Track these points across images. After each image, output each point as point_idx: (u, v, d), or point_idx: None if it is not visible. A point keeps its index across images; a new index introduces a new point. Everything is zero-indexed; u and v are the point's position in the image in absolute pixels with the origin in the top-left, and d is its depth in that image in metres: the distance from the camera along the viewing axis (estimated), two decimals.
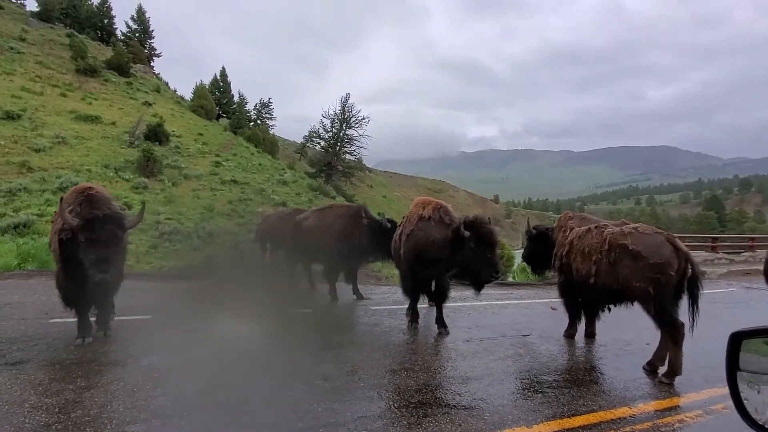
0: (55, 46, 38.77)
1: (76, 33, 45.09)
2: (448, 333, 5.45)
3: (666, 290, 4.21)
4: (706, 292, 8.76)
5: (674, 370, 4.23)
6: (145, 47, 52.86)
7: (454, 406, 3.44)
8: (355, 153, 53.88)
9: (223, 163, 26.80)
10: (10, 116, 22.47)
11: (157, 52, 55.49)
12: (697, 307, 4.28)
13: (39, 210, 14.57)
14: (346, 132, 51.59)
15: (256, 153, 35.02)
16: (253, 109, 71.82)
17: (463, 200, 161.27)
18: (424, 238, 5.27)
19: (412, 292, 5.74)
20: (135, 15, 53.36)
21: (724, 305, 7.83)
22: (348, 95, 51.26)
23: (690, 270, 4.27)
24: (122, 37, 52.62)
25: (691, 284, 4.30)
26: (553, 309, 6.75)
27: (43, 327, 4.83)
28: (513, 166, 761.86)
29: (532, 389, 3.89)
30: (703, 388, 4.01)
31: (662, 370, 4.39)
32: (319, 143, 52.43)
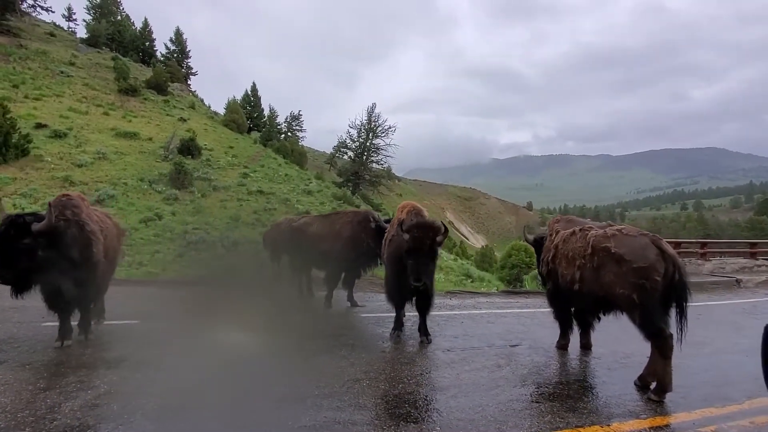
0: (101, 69, 41.58)
1: (120, 56, 48.23)
2: (430, 342, 5.33)
3: (651, 297, 3.92)
4: (740, 301, 8.19)
5: (663, 387, 3.91)
6: (182, 66, 55.76)
7: (405, 418, 3.30)
8: (382, 162, 54.28)
9: (251, 174, 27.65)
10: (58, 135, 24.21)
11: (193, 71, 58.41)
12: (685, 317, 3.99)
13: None
14: (373, 141, 52.14)
15: (283, 164, 35.91)
16: (284, 122, 74.03)
17: (494, 208, 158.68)
18: (399, 242, 5.22)
19: (395, 298, 5.65)
20: (173, 37, 56.56)
21: (754, 316, 7.27)
22: (374, 105, 51.90)
23: (677, 275, 3.96)
24: (162, 58, 55.85)
25: (678, 291, 3.98)
26: None
27: (33, 330, 5.13)
28: (548, 172, 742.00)
29: (497, 403, 3.67)
30: (697, 407, 3.72)
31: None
32: (346, 153, 53.20)
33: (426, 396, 3.76)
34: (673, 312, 4.05)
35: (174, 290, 7.95)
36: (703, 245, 12.72)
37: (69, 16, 56.03)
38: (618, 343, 5.29)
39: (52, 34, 46.89)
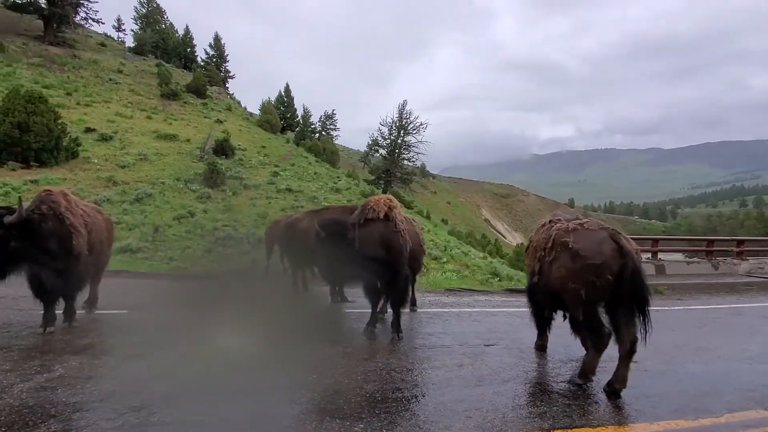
0: (146, 76, 44.07)
1: (163, 62, 50.92)
2: (401, 339, 5.28)
3: (599, 295, 3.78)
4: (763, 305, 7.51)
5: (587, 372, 3.95)
6: (220, 71, 58.04)
7: (332, 414, 3.26)
8: (414, 159, 54.06)
9: (281, 173, 28.37)
10: (104, 138, 25.92)
11: (231, 75, 60.67)
12: (647, 317, 3.75)
13: (116, 218, 16.58)
14: (404, 139, 52.03)
15: (314, 162, 36.59)
16: (318, 121, 75.39)
17: (533, 205, 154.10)
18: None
19: (368, 294, 5.67)
20: (212, 42, 59.00)
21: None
22: (405, 102, 51.77)
23: (634, 273, 3.75)
24: (202, 63, 58.41)
25: (635, 289, 3.75)
26: None
27: (27, 316, 5.44)
28: (592, 168, 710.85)
29: (436, 404, 3.54)
30: (664, 418, 3.41)
31: (629, 384, 3.92)
32: (377, 151, 53.41)
33: (368, 393, 3.66)
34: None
35: (182, 283, 8.32)
36: (740, 243, 11.76)
37: (118, 27, 59.79)
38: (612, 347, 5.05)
39: (102, 44, 50.20)
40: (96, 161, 22.63)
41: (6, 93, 21.48)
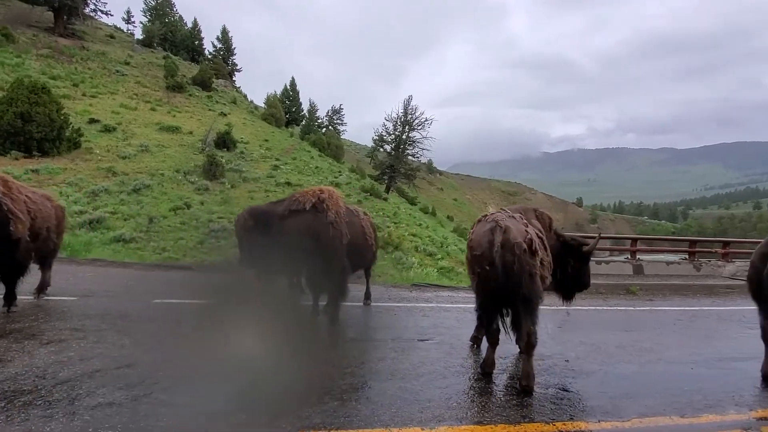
0: (152, 68, 44.39)
1: (171, 55, 51.20)
2: (336, 334, 5.29)
3: (484, 287, 3.87)
4: (743, 308, 7.38)
5: (484, 366, 4.07)
6: (227, 64, 58.25)
7: (217, 402, 3.23)
8: (419, 155, 53.78)
9: (281, 166, 28.49)
10: (107, 129, 26.24)
11: (238, 68, 60.81)
12: (528, 311, 3.74)
13: (113, 208, 16.83)
14: (409, 134, 51.77)
15: (316, 157, 36.67)
16: (325, 116, 75.44)
17: (541, 203, 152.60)
18: None
19: (308, 287, 5.74)
20: (220, 35, 59.17)
21: (742, 325, 6.56)
22: (410, 97, 51.43)
23: (515, 267, 3.70)
24: (209, 56, 58.68)
25: (514, 283, 3.71)
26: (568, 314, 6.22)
27: None
28: (603, 167, 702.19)
29: (327, 394, 3.51)
30: (562, 419, 3.33)
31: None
32: (381, 146, 53.23)
33: (256, 386, 3.62)
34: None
35: (155, 273, 8.42)
36: (726, 245, 11.54)
37: (128, 19, 60.19)
38: (553, 345, 5.06)
39: (111, 36, 50.66)
40: (98, 152, 22.93)
41: (10, 83, 21.80)
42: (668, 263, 10.72)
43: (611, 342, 5.27)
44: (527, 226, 4.02)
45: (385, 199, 29.84)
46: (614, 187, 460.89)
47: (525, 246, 3.71)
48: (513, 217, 4.12)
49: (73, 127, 22.54)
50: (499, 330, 3.97)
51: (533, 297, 3.72)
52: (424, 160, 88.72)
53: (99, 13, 47.62)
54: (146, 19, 59.18)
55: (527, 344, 3.73)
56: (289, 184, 25.36)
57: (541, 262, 3.96)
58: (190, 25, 62.68)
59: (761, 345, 4.99)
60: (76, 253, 9.23)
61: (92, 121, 26.88)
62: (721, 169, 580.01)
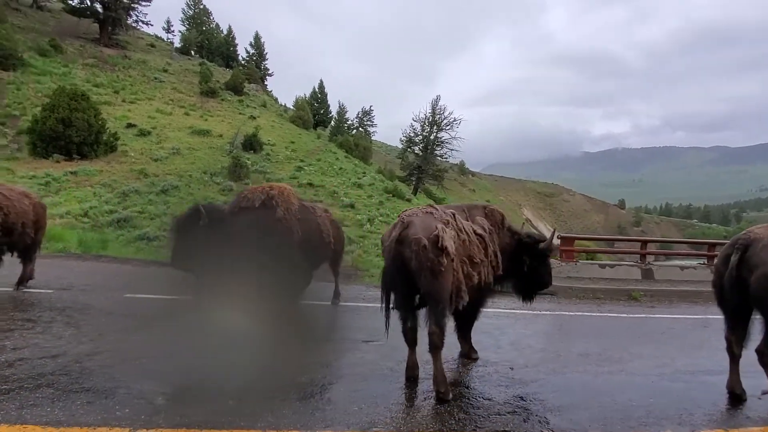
0: (188, 74, 46.34)
1: (207, 62, 53.33)
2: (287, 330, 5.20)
3: (387, 280, 3.79)
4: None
5: (408, 367, 3.90)
6: (259, 68, 59.95)
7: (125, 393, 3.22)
8: (447, 155, 53.12)
9: (305, 168, 28.88)
10: (143, 133, 27.56)
11: (269, 72, 62.51)
12: (432, 310, 3.62)
13: (141, 208, 17.59)
14: (437, 135, 51.24)
15: (342, 158, 36.92)
16: (355, 118, 76.05)
17: (579, 205, 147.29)
18: None
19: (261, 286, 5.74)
20: (252, 41, 61.03)
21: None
22: (438, 97, 50.96)
23: (413, 262, 3.55)
24: (243, 61, 60.62)
25: (411, 280, 3.63)
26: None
27: None
28: (650, 167, 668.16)
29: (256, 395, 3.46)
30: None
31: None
32: (409, 147, 52.99)
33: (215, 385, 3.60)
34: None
35: (152, 269, 8.62)
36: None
37: (168, 28, 63.27)
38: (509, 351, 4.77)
39: (152, 45, 53.32)
40: (132, 155, 24.11)
41: (52, 91, 23.31)
42: (683, 268, 9.79)
43: (577, 350, 4.93)
44: (448, 223, 3.75)
45: (409, 200, 29.57)
46: (661, 188, 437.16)
47: (425, 242, 3.49)
48: (431, 213, 3.86)
49: (110, 131, 23.82)
50: (414, 329, 3.78)
51: (435, 295, 3.54)
52: (455, 161, 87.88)
53: (140, 23, 50.21)
54: (185, 28, 61.96)
55: (430, 345, 3.57)
56: (311, 184, 25.67)
57: (469, 260, 3.75)
58: (225, 32, 65.02)
59: (747, 358, 4.56)
60: (88, 249, 9.66)
61: (129, 125, 28.33)
62: None
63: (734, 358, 3.90)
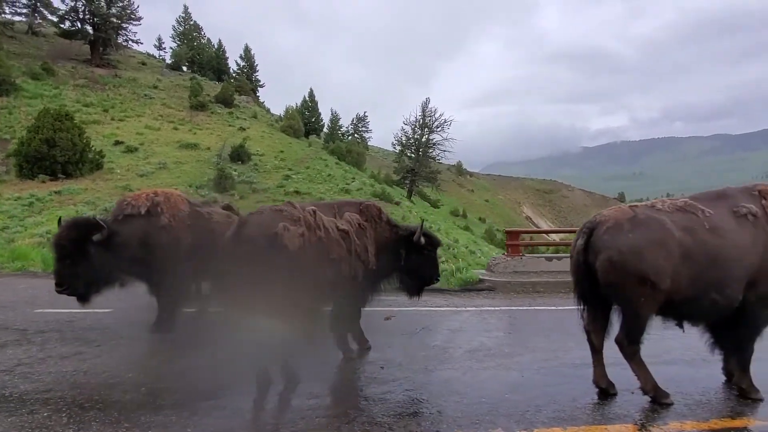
0: (179, 89, 46.77)
1: (197, 76, 53.81)
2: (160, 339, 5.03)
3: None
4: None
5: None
6: (251, 80, 60.43)
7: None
8: (439, 157, 53.21)
9: (293, 176, 29.06)
10: (130, 149, 27.85)
11: (261, 84, 62.97)
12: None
13: None
14: (429, 137, 51.38)
15: (332, 165, 37.09)
16: (350, 124, 76.38)
17: (579, 200, 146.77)
18: None
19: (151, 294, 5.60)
20: (242, 54, 61.57)
21: None
22: (428, 100, 51.16)
23: (240, 257, 3.52)
24: (234, 74, 61.15)
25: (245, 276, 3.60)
26: (387, 318, 5.73)
27: None
28: (649, 158, 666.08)
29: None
30: None
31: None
32: (402, 150, 53.13)
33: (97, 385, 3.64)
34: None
35: None
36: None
37: (159, 46, 63.99)
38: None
39: (143, 63, 53.91)
40: (118, 171, 24.35)
41: (37, 113, 23.63)
42: None
43: (470, 346, 4.69)
44: (299, 219, 3.65)
45: (398, 203, 29.65)
46: (663, 179, 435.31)
47: (259, 241, 3.45)
48: (280, 210, 3.73)
49: (95, 149, 24.08)
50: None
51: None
52: (452, 162, 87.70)
53: (130, 42, 50.82)
54: (176, 45, 62.62)
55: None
56: (298, 192, 25.81)
57: (326, 256, 3.70)
58: (216, 46, 65.62)
59: (664, 347, 4.37)
60: (49, 266, 9.72)
61: (117, 143, 28.64)
62: None
63: (595, 350, 3.65)
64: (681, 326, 3.71)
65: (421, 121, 50.75)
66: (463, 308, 6.22)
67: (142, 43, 53.08)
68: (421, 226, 4.44)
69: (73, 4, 45.14)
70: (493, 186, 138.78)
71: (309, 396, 3.48)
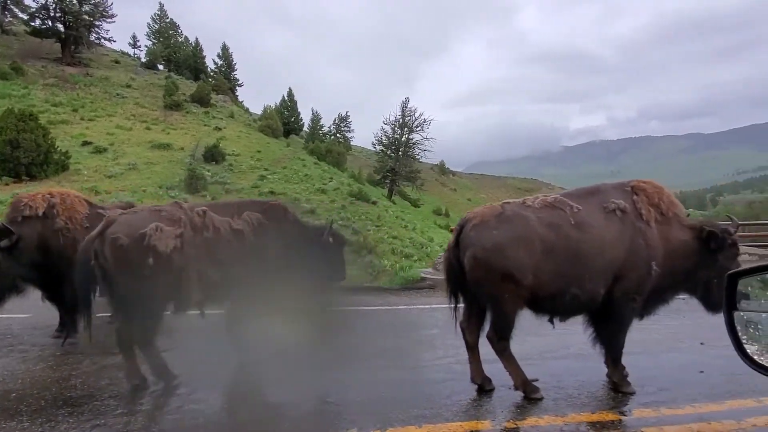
0: (153, 88, 45.84)
1: (173, 75, 52.83)
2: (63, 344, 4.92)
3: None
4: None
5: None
6: (229, 79, 59.63)
7: None
8: (420, 156, 53.52)
9: (269, 176, 28.83)
10: (98, 150, 27.22)
11: (239, 83, 62.22)
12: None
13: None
14: (409, 136, 51.65)
15: (310, 165, 36.91)
16: (332, 124, 75.97)
17: None
18: None
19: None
20: (220, 52, 60.72)
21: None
22: (407, 99, 51.46)
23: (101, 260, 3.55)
24: (212, 73, 60.22)
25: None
26: None
27: None
28: (627, 157, 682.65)
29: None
30: None
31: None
32: (383, 150, 53.29)
33: None
34: None
35: None
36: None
37: (134, 44, 62.54)
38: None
39: (116, 62, 52.72)
40: (85, 173, 23.78)
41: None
42: None
43: (377, 346, 4.60)
44: (179, 220, 3.67)
45: (375, 203, 29.71)
46: (639, 176, 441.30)
47: (123, 241, 3.43)
48: (160, 210, 3.77)
49: (60, 150, 23.47)
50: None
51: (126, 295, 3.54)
52: (435, 161, 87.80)
53: (102, 40, 49.60)
54: (151, 43, 61.30)
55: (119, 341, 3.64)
56: (273, 192, 25.60)
57: (211, 258, 3.71)
58: (193, 45, 64.44)
59: (564, 342, 4.44)
60: None
61: (85, 143, 27.95)
62: (752, 152, 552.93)
63: (469, 347, 3.65)
64: (552, 321, 3.72)
65: (401, 120, 51.02)
66: (396, 307, 6.32)
67: (115, 41, 51.60)
68: (330, 225, 4.49)
69: (44, 1, 43.85)
70: (475, 185, 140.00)
71: (192, 400, 3.48)
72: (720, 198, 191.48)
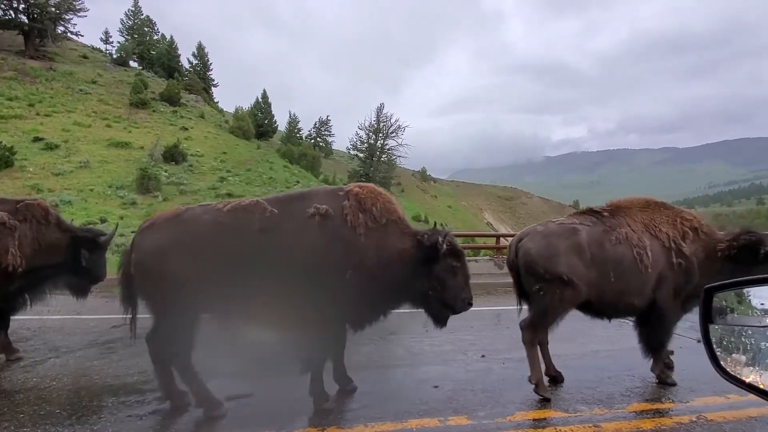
0: (121, 86, 44.53)
1: (144, 72, 51.54)
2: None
3: None
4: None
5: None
6: (204, 79, 58.51)
7: None
8: (394, 161, 53.48)
9: (230, 178, 28.12)
10: (50, 147, 26.05)
11: (214, 83, 61.10)
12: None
13: None
14: (384, 142, 51.59)
15: (279, 168, 36.28)
16: (312, 128, 75.27)
17: (537, 207, 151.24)
18: None
19: None
20: (195, 51, 59.59)
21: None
22: (382, 105, 51.50)
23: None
24: (186, 72, 59.00)
25: None
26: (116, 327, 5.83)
27: None
28: (605, 169, 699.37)
29: None
30: None
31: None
32: (356, 155, 53.06)
33: None
34: None
35: None
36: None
37: (106, 39, 60.85)
38: None
39: (84, 57, 51.07)
40: (31, 170, 22.68)
41: None
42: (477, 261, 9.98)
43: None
44: None
45: None
46: (617, 188, 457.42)
47: None
48: None
49: (5, 145, 22.35)
50: None
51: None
52: (417, 168, 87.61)
53: (69, 34, 48.02)
54: (123, 39, 59.77)
55: None
56: (231, 195, 24.89)
57: None
58: (168, 42, 63.11)
59: (475, 349, 4.73)
60: None
61: (37, 139, 26.75)
62: (724, 166, 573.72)
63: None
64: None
65: (375, 126, 50.92)
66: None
67: (83, 36, 50.03)
68: (115, 229, 4.83)
69: None
70: (456, 192, 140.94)
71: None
72: (691, 210, 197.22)
